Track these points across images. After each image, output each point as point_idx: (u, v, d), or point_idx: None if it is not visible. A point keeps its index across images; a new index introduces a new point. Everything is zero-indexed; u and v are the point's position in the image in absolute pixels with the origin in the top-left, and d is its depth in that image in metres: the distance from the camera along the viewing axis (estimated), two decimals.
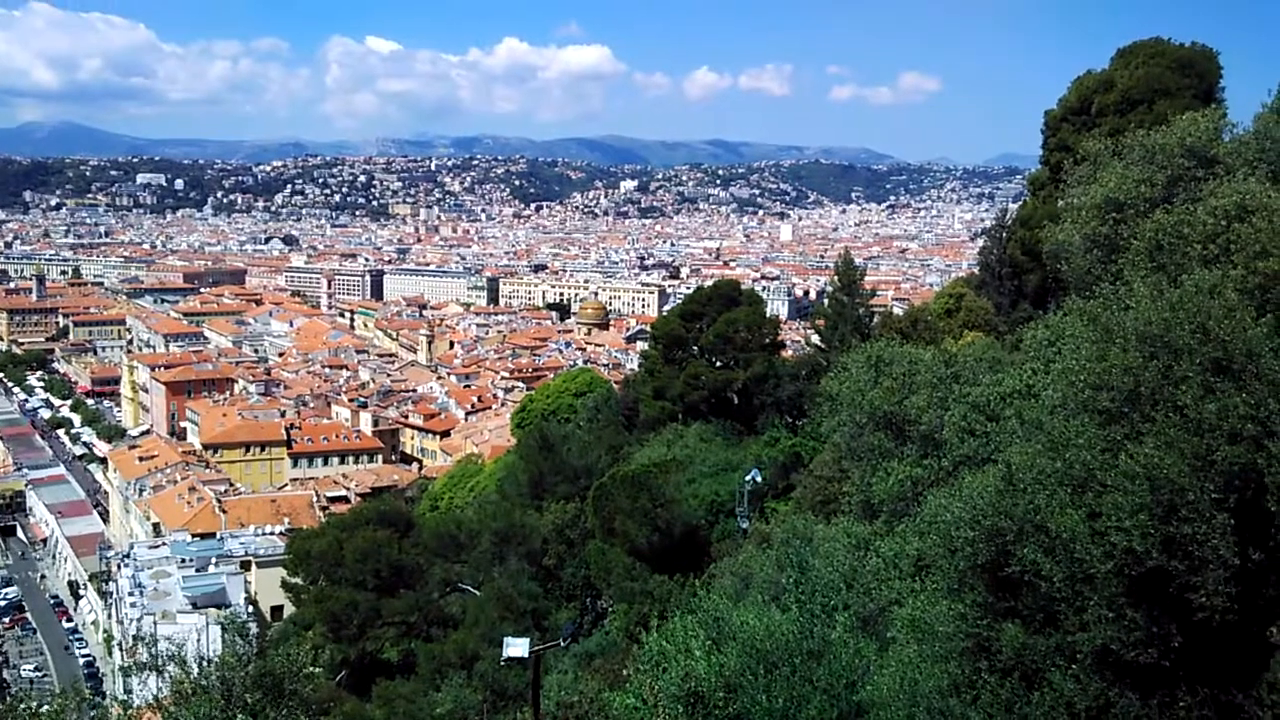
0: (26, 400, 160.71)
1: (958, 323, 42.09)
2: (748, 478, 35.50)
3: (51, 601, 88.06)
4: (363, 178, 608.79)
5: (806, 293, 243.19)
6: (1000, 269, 45.77)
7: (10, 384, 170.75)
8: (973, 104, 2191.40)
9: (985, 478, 13.53)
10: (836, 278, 50.66)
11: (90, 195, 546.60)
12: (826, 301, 54.76)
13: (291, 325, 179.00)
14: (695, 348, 52.08)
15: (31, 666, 75.68)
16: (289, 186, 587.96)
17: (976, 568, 12.49)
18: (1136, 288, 13.75)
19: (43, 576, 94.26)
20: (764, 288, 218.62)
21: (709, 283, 70.00)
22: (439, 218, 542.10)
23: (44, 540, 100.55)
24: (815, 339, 52.41)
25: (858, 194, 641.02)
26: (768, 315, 57.27)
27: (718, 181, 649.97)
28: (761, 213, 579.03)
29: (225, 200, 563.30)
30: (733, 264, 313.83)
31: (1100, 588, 10.93)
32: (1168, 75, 34.52)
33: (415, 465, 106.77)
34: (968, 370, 20.68)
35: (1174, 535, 10.73)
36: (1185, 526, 10.64)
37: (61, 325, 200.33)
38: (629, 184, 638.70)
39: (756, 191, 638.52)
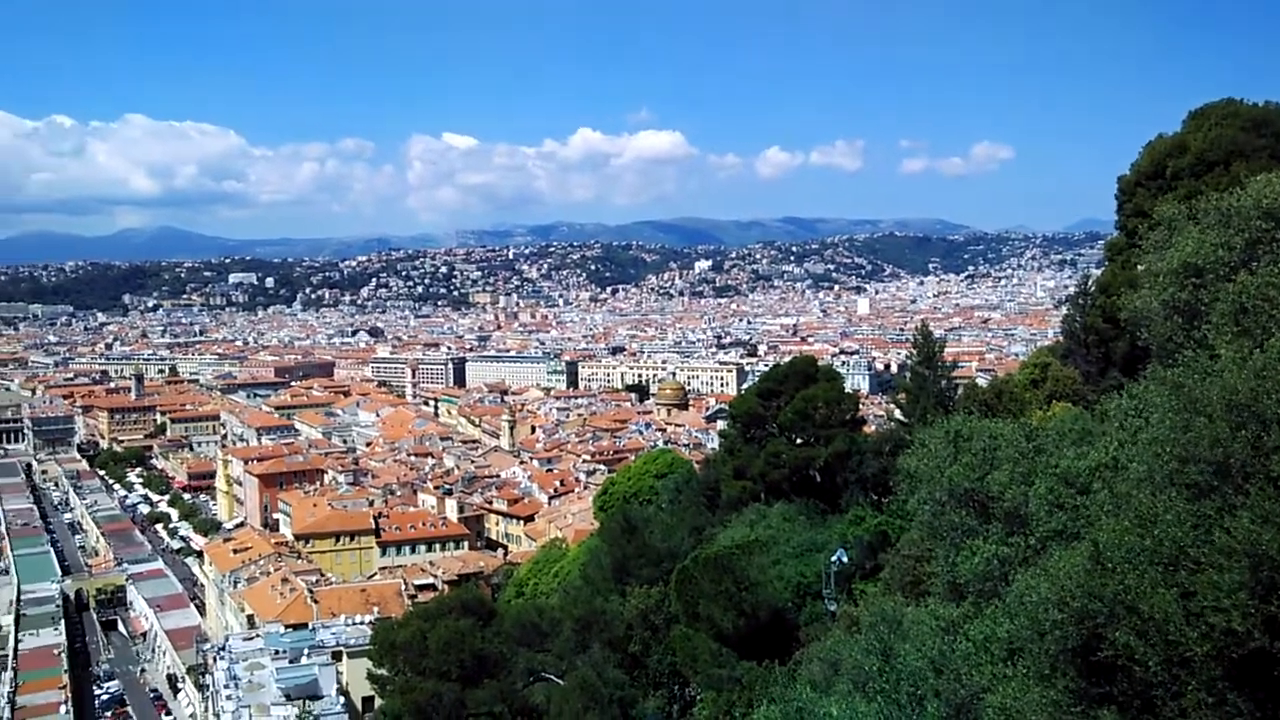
0: (126, 496, 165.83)
1: (1044, 393, 41.18)
2: (833, 558, 34.81)
3: (151, 695, 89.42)
4: (444, 269, 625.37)
5: (887, 366, 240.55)
6: (1086, 337, 44.87)
7: (111, 481, 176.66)
8: (1049, 171, 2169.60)
9: (1072, 556, 13.13)
10: (915, 350, 50.14)
11: (185, 296, 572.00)
12: (908, 375, 54.16)
13: (378, 415, 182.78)
14: (774, 426, 51.72)
15: None
16: (374, 280, 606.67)
17: (1067, 652, 12.07)
18: (1222, 354, 13.41)
19: (143, 670, 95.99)
20: (843, 363, 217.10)
21: (787, 359, 69.80)
22: (518, 304, 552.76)
23: (143, 634, 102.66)
24: (897, 413, 51.71)
25: (935, 265, 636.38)
26: (847, 390, 56.72)
27: (792, 258, 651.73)
28: (837, 287, 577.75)
29: (314, 296, 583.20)
30: (810, 340, 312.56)
31: (1199, 671, 10.48)
32: (1242, 136, 33.89)
33: (500, 551, 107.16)
34: (1051, 443, 20.19)
35: (1276, 615, 10.28)
36: None
37: (159, 422, 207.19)
38: (703, 264, 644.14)
39: (831, 266, 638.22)
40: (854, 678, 17.65)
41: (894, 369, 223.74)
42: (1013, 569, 17.10)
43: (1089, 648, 11.84)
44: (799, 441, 50.46)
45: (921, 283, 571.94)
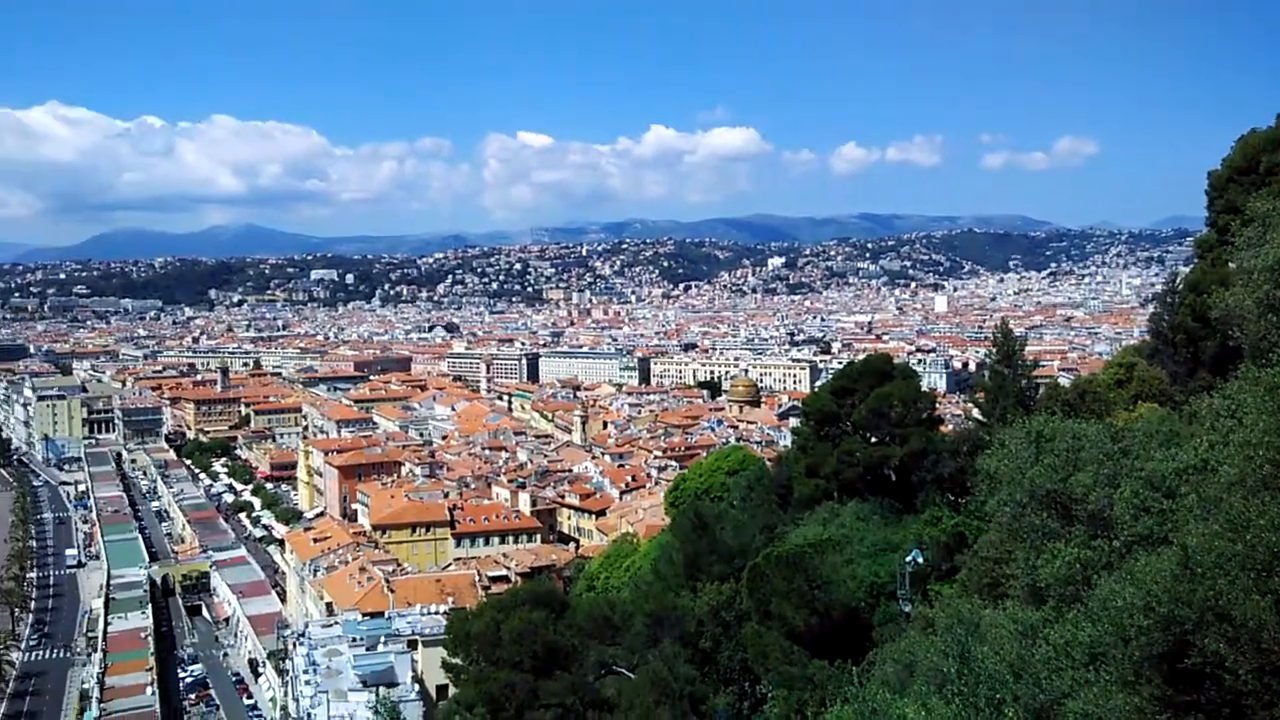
0: (212, 485, 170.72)
1: (1129, 394, 40.12)
2: (908, 559, 34.38)
3: (233, 679, 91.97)
4: (518, 265, 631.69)
5: (965, 364, 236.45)
6: (1174, 336, 43.60)
7: (197, 470, 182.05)
8: (1135, 165, 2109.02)
9: (1160, 561, 12.81)
10: (995, 348, 49.19)
11: (269, 291, 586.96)
12: (986, 374, 53.15)
13: (453, 409, 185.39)
14: (848, 424, 51.14)
15: None
16: (450, 277, 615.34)
17: (1153, 658, 11.77)
18: None
19: (225, 654, 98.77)
20: (919, 360, 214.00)
21: (861, 357, 69.02)
22: (590, 301, 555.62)
23: (226, 619, 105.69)
24: (976, 413, 50.79)
25: (1015, 262, 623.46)
26: (923, 389, 55.90)
27: (867, 255, 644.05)
28: (914, 284, 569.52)
29: (392, 292, 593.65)
30: (885, 337, 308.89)
31: None
32: None
33: (572, 545, 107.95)
34: (1137, 444, 19.67)
35: None
36: None
37: (243, 414, 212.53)
38: (776, 261, 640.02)
39: (908, 263, 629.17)
40: (930, 679, 17.42)
41: (972, 367, 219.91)
42: (1096, 573, 16.71)
43: (1176, 654, 11.54)
44: (873, 440, 49.82)
45: (1002, 280, 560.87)
